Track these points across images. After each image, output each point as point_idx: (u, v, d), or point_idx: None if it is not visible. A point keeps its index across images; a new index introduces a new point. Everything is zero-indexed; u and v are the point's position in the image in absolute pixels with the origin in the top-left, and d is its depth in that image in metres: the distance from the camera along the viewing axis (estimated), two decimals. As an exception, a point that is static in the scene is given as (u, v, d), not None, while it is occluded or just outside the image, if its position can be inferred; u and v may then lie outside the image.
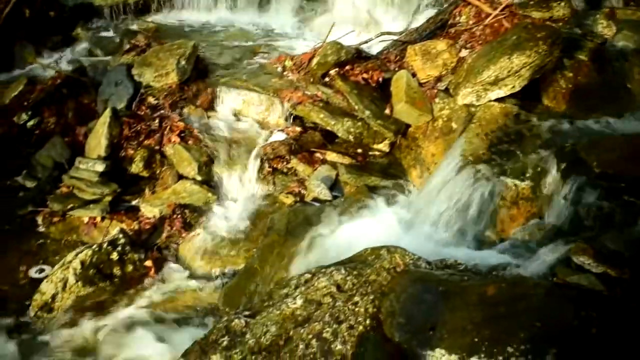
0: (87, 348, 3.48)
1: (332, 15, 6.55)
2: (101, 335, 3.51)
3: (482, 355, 2.08)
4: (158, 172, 4.63)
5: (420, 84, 4.51)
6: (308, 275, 2.75)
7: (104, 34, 6.64)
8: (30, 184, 4.78)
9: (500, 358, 2.05)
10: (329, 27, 5.31)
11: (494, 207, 3.37)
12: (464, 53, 4.55)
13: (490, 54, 4.00)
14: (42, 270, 4.16)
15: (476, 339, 2.14)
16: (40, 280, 3.98)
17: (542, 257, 2.80)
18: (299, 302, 2.60)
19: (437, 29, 5.11)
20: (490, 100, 3.97)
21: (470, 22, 4.80)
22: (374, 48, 5.41)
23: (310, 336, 2.42)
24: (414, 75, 4.56)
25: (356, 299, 2.54)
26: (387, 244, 2.85)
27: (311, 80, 4.81)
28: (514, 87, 3.91)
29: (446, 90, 4.32)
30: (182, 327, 3.50)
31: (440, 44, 4.62)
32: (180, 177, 4.53)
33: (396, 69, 4.76)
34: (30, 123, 5.29)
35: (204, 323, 3.50)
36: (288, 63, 5.16)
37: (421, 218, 3.58)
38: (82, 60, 6.07)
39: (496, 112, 3.89)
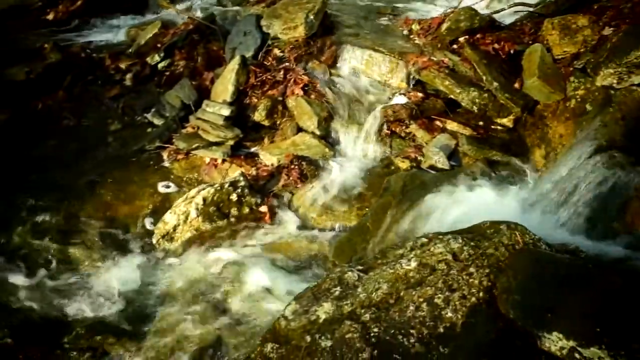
0: (202, 279, 3.72)
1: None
2: (215, 269, 3.73)
3: (603, 347, 2.00)
4: (278, 122, 4.77)
5: (555, 60, 4.27)
6: (424, 240, 2.74)
7: (233, -16, 6.81)
8: (158, 121, 5.09)
9: (622, 353, 1.96)
10: (461, -7, 5.14)
11: (625, 198, 3.15)
12: (607, 31, 4.22)
13: (641, 34, 3.71)
14: (168, 186, 4.48)
15: (598, 329, 2.06)
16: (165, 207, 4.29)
17: (677, 258, 2.63)
18: (413, 264, 2.61)
19: (578, 3, 4.78)
20: (632, 85, 3.70)
21: (619, -2, 4.46)
22: (506, 18, 5.17)
23: (421, 299, 2.43)
24: (548, 50, 4.32)
25: (471, 270, 2.51)
26: (507, 220, 2.79)
27: (438, 45, 4.70)
28: (663, 72, 3.62)
29: (583, 70, 4.05)
30: (291, 272, 3.63)
31: (582, 20, 4.33)
32: (299, 129, 4.64)
33: (530, 42, 4.52)
34: (162, 64, 5.62)
35: (313, 271, 3.62)
36: (415, 26, 5.07)
37: (542, 199, 3.44)
38: (212, 9, 6.29)
39: (639, 97, 3.62)
